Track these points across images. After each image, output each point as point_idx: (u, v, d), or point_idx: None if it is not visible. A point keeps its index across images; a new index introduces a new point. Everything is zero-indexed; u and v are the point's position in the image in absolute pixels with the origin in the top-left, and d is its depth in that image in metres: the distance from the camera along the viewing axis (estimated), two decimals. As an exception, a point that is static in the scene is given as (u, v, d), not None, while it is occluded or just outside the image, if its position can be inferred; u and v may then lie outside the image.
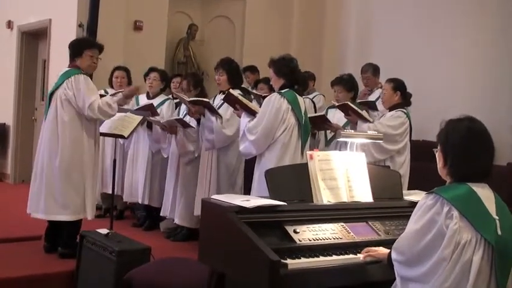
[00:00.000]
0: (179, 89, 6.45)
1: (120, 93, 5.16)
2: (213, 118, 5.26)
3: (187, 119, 5.76)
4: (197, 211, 5.42)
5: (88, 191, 4.94)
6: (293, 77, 4.76)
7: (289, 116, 4.62)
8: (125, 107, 5.41)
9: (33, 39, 9.40)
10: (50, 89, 5.08)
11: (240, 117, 4.90)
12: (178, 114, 6.15)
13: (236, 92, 5.02)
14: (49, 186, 4.83)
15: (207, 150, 5.45)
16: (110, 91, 6.10)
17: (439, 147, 2.59)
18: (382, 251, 2.95)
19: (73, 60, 4.99)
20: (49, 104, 4.94)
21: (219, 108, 5.39)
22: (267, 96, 4.89)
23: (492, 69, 7.17)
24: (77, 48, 5.02)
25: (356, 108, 5.23)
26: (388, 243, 2.96)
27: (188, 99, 5.37)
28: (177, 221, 5.82)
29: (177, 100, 6.44)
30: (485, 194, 2.51)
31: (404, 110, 5.21)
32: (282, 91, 4.70)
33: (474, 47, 7.34)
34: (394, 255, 2.63)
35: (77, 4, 7.64)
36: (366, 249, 3.04)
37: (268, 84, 5.94)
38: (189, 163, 5.83)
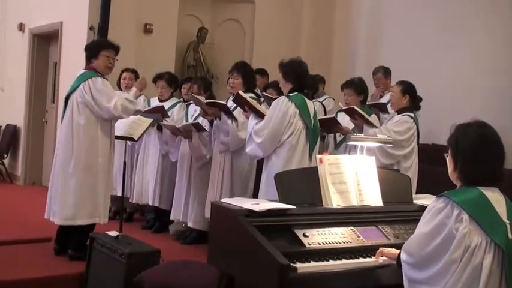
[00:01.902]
0: (188, 93, 6.48)
1: (134, 88, 5.23)
2: (229, 121, 5.25)
3: (199, 120, 5.77)
4: (208, 213, 5.42)
5: (102, 195, 4.94)
6: (302, 81, 4.75)
7: (296, 120, 4.61)
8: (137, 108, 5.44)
9: (45, 41, 9.46)
10: (62, 91, 5.10)
11: (248, 118, 4.91)
12: (187, 117, 6.17)
13: (245, 94, 5.02)
14: (64, 191, 4.82)
15: (221, 153, 5.43)
16: (118, 93, 6.13)
17: (449, 152, 2.59)
18: (394, 251, 2.94)
19: (89, 62, 4.98)
20: (65, 107, 4.93)
21: (233, 110, 5.39)
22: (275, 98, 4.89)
23: (503, 73, 7.13)
24: (93, 50, 5.02)
25: (362, 113, 5.21)
26: (397, 248, 2.94)
27: (205, 101, 5.37)
28: (190, 224, 5.80)
29: (188, 103, 6.46)
30: (496, 197, 2.50)
31: (411, 115, 5.14)
32: (290, 95, 4.69)
33: (485, 50, 7.30)
34: (403, 257, 2.62)
35: (88, 7, 7.68)
36: (379, 249, 3.03)
37: (276, 89, 5.94)
38: (202, 166, 5.83)
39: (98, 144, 4.89)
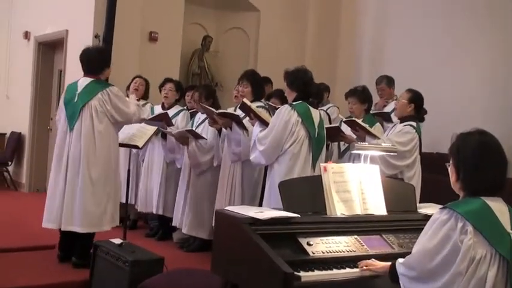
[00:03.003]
0: (191, 101, 6.49)
1: (133, 95, 5.59)
2: (241, 131, 5.25)
3: (200, 129, 5.78)
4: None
5: (113, 201, 5.02)
6: (306, 90, 4.76)
7: (299, 129, 4.62)
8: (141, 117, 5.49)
9: (50, 49, 9.51)
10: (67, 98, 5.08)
11: (253, 126, 4.92)
12: (193, 125, 6.18)
13: (250, 102, 5.03)
14: (85, 198, 4.82)
15: (234, 162, 5.43)
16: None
17: (451, 162, 2.57)
18: (380, 264, 2.92)
19: (100, 72, 5.02)
20: (77, 115, 4.89)
21: (242, 120, 5.40)
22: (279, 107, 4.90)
23: (506, 82, 7.13)
24: (107, 59, 5.14)
25: (363, 124, 5.20)
26: (402, 256, 2.93)
27: (216, 112, 5.37)
28: (184, 230, 5.84)
29: (192, 111, 6.47)
30: (499, 208, 2.48)
31: (413, 124, 5.11)
32: (294, 103, 4.70)
33: (489, 60, 7.33)
34: (402, 270, 2.60)
35: (94, 15, 7.72)
36: (364, 262, 3.01)
37: (279, 97, 5.96)
38: (200, 174, 5.84)
39: (112, 151, 4.99)
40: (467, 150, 2.50)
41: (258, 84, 5.55)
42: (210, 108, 5.51)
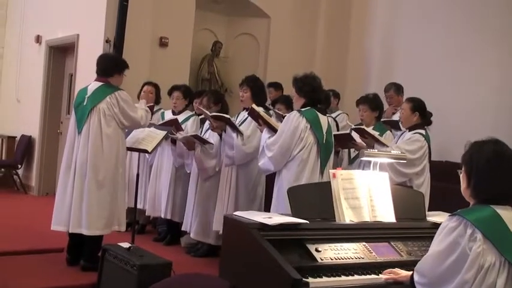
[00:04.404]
0: (201, 104, 6.50)
1: (144, 100, 5.68)
2: (234, 134, 5.29)
3: (208, 135, 5.80)
4: (216, 226, 5.44)
5: (122, 203, 5.08)
6: (315, 96, 4.76)
7: (307, 135, 4.62)
8: (151, 121, 5.53)
9: (61, 53, 9.56)
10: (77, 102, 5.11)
11: (262, 132, 4.93)
12: (202, 130, 6.20)
13: (259, 108, 5.05)
14: (92, 201, 4.84)
15: (227, 166, 5.49)
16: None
17: (463, 169, 2.57)
18: (405, 273, 2.92)
19: (110, 76, 5.05)
20: (86, 118, 4.93)
21: (240, 124, 5.42)
22: (286, 115, 4.90)
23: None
24: (121, 67, 5.14)
25: (372, 132, 5.19)
26: (410, 265, 2.94)
27: (210, 114, 5.42)
28: (192, 235, 5.85)
29: (202, 116, 6.49)
30: (510, 216, 2.48)
31: (422, 132, 5.10)
32: (302, 109, 4.70)
33: (498, 67, 7.30)
34: (416, 278, 2.60)
35: (105, 20, 7.76)
36: (388, 270, 3.02)
37: (285, 103, 5.97)
38: (208, 179, 5.86)
39: (120, 155, 5.01)
40: (481, 159, 2.50)
41: (258, 89, 5.56)
42: (206, 111, 5.55)
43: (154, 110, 6.37)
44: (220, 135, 5.56)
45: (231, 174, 5.51)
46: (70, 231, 4.92)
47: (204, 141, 5.69)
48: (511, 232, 2.44)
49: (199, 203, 5.86)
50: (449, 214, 2.54)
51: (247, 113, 5.30)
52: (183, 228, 6.09)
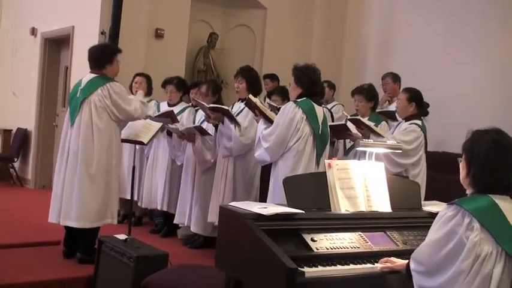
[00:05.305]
0: (198, 93, 6.46)
1: (141, 91, 5.56)
2: (232, 126, 5.28)
3: (205, 125, 5.79)
4: (211, 218, 5.44)
5: (116, 196, 5.06)
6: (312, 88, 4.76)
7: (304, 126, 4.62)
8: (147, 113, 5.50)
9: (56, 46, 9.52)
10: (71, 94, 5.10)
11: (258, 122, 4.93)
12: (194, 121, 6.19)
13: (256, 99, 5.04)
14: (83, 194, 4.82)
15: (225, 157, 5.47)
16: (131, 97, 6.18)
17: (463, 157, 2.57)
18: (400, 262, 2.92)
19: (102, 68, 5.00)
20: (74, 109, 4.93)
21: (237, 115, 5.41)
22: (281, 107, 4.89)
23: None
24: (108, 56, 5.06)
25: (368, 123, 5.19)
26: (406, 254, 2.94)
27: (208, 106, 5.41)
28: (193, 228, 5.84)
29: (197, 108, 6.48)
30: (507, 206, 2.47)
31: (419, 123, 5.12)
32: (298, 100, 4.70)
33: (497, 56, 7.29)
34: (412, 266, 2.60)
35: (100, 12, 7.73)
36: (384, 259, 3.02)
37: (281, 95, 5.96)
38: (206, 171, 5.85)
39: (113, 147, 4.97)
40: (482, 148, 2.49)
41: (253, 80, 5.55)
42: (203, 102, 5.55)
43: (147, 100, 6.34)
44: (216, 127, 5.55)
45: (227, 166, 5.50)
46: (61, 224, 4.92)
47: (204, 133, 5.68)
48: (509, 222, 2.44)
49: (198, 195, 5.85)
50: (447, 203, 2.53)
51: (243, 103, 5.29)
52: (176, 221, 6.08)
